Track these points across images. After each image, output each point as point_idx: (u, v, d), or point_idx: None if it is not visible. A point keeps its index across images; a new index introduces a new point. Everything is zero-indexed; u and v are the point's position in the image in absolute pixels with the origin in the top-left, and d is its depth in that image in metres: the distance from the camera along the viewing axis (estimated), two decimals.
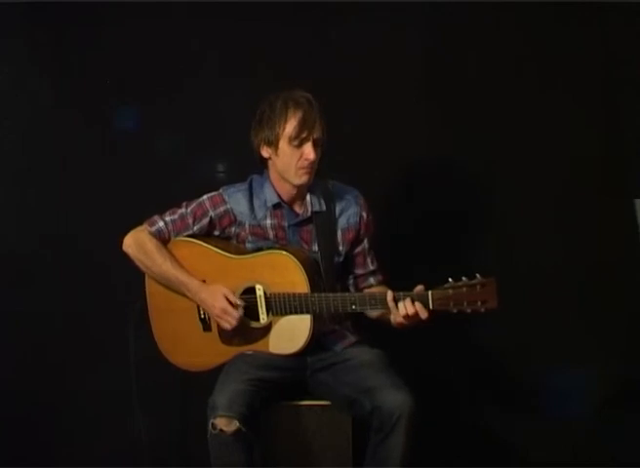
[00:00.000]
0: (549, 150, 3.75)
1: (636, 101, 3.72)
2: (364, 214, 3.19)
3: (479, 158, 3.76)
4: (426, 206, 3.77)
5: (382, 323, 3.07)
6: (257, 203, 3.14)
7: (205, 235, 3.16)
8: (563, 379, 3.70)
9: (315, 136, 3.01)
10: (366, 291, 3.18)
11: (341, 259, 3.17)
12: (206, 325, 3.12)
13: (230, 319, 3.02)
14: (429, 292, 2.87)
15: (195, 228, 3.14)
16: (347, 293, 3.08)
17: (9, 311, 3.80)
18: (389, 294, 2.91)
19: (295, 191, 3.11)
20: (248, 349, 3.08)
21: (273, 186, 3.13)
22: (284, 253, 3.03)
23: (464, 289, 2.85)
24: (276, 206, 3.13)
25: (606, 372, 3.73)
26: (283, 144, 3.02)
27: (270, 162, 3.10)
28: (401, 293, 2.90)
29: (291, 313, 3.01)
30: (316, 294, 2.98)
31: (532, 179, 3.76)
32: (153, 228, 3.15)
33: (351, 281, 3.22)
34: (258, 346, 3.07)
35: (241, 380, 2.94)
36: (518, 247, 3.79)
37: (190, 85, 3.79)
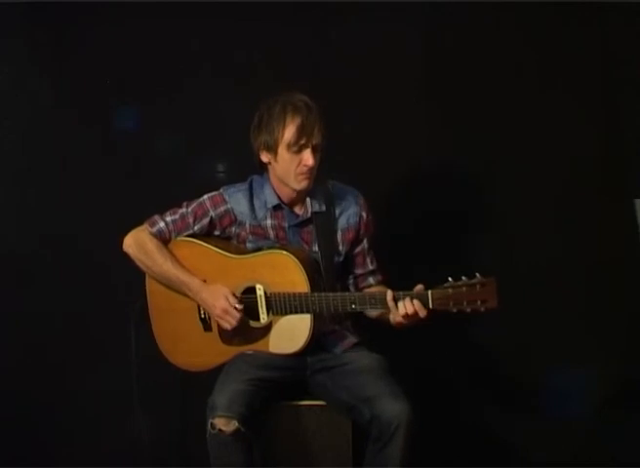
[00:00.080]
0: (549, 150, 3.75)
1: (636, 101, 3.72)
2: (364, 214, 3.19)
3: (479, 158, 3.76)
4: (426, 206, 3.77)
5: (382, 322, 3.07)
6: (257, 203, 3.14)
7: (205, 235, 3.15)
8: (563, 379, 3.70)
9: (314, 143, 3.01)
10: (365, 290, 3.18)
11: (341, 259, 3.17)
12: (206, 324, 3.12)
13: (231, 319, 3.02)
14: (429, 292, 2.87)
15: (196, 228, 3.14)
16: (347, 293, 3.08)
17: (9, 311, 3.80)
18: (389, 294, 2.91)
19: (294, 194, 3.11)
20: (248, 349, 3.08)
21: (273, 188, 3.13)
22: (284, 252, 3.03)
23: (464, 288, 2.85)
24: (276, 207, 3.13)
25: (606, 372, 3.73)
26: (282, 150, 3.02)
27: (270, 166, 3.10)
28: (401, 293, 2.90)
29: (291, 313, 3.01)
30: (316, 294, 2.98)
31: (532, 179, 3.76)
32: (154, 229, 3.15)
33: (351, 280, 3.22)
34: (258, 346, 3.07)
35: (241, 380, 2.94)
36: (518, 247, 3.79)
37: (190, 85, 3.79)
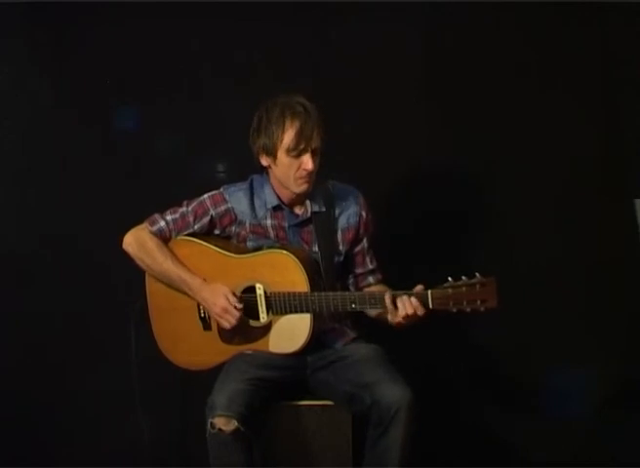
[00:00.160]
0: (549, 150, 3.75)
1: (636, 101, 3.72)
2: (363, 214, 3.19)
3: (479, 158, 3.76)
4: (426, 206, 3.77)
5: (381, 322, 3.07)
6: (257, 202, 3.14)
7: (205, 234, 3.16)
8: (563, 379, 3.70)
9: (313, 146, 3.01)
10: (365, 290, 3.19)
11: (342, 259, 3.17)
12: (206, 324, 3.12)
13: (230, 318, 3.02)
14: (429, 292, 2.88)
15: (196, 227, 3.14)
16: (347, 292, 3.08)
17: (9, 311, 3.80)
18: (387, 298, 2.91)
19: (294, 195, 3.11)
20: (248, 348, 3.08)
21: (273, 189, 3.13)
22: (284, 252, 3.04)
23: (464, 288, 2.85)
24: (276, 208, 3.13)
25: (606, 372, 3.73)
26: (281, 155, 3.02)
27: (270, 169, 3.10)
28: (400, 292, 2.90)
29: (291, 312, 3.01)
30: (316, 293, 2.98)
31: (532, 179, 3.76)
32: (154, 227, 3.15)
33: (351, 280, 3.23)
34: (257, 345, 3.07)
35: (241, 380, 2.94)
36: (518, 247, 3.79)
37: (190, 85, 3.79)
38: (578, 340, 3.75)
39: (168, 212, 3.17)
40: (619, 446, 3.68)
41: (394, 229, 3.67)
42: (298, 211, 3.14)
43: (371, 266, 3.23)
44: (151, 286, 3.19)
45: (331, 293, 2.98)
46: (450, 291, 2.85)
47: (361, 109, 3.75)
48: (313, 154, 3.01)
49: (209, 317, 3.11)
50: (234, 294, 3.04)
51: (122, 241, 3.16)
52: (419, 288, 2.91)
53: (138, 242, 3.14)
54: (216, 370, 3.07)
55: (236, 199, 3.13)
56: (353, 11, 3.71)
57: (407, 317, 2.90)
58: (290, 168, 3.02)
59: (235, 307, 3.01)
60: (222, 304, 3.02)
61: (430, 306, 2.87)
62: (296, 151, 2.99)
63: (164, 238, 3.15)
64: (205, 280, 3.08)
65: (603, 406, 3.74)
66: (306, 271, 3.00)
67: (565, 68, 3.74)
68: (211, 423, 2.85)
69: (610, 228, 3.73)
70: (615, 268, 3.75)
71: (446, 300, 2.86)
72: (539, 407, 3.76)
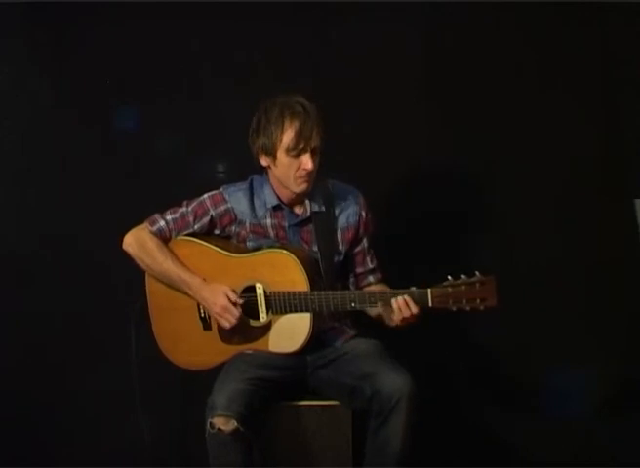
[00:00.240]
0: (549, 150, 3.75)
1: (636, 101, 3.72)
2: (363, 213, 3.19)
3: (479, 158, 3.77)
4: (426, 206, 3.77)
5: (381, 322, 3.06)
6: (257, 202, 3.14)
7: (205, 234, 3.16)
8: (563, 379, 3.70)
9: (313, 146, 3.01)
10: (365, 289, 3.19)
11: (342, 258, 3.17)
12: (206, 324, 3.12)
13: (230, 317, 3.02)
14: (429, 290, 2.88)
15: (196, 227, 3.14)
16: (347, 292, 3.08)
17: (9, 311, 3.80)
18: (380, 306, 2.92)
19: (294, 195, 3.11)
20: (248, 348, 3.08)
21: (273, 189, 3.13)
22: (284, 251, 3.04)
23: (464, 287, 2.85)
24: (276, 207, 3.13)
25: (606, 372, 3.73)
26: (281, 155, 3.02)
27: (269, 169, 3.10)
28: (400, 291, 2.91)
29: (291, 311, 3.01)
30: (316, 293, 2.98)
31: (532, 179, 3.76)
32: (154, 227, 3.15)
33: (351, 279, 3.23)
34: (257, 345, 3.07)
35: (240, 380, 2.94)
36: (518, 247, 3.79)
37: (190, 85, 3.79)
38: (578, 340, 3.75)
39: (168, 212, 3.17)
40: (619, 446, 3.69)
41: (394, 229, 3.67)
42: (297, 210, 3.14)
43: (371, 266, 3.23)
44: (151, 286, 3.19)
45: (330, 293, 2.98)
46: (449, 289, 2.86)
47: (361, 109, 3.75)
48: (313, 154, 3.01)
49: (209, 317, 3.11)
50: (234, 291, 3.04)
51: (122, 241, 3.16)
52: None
53: (138, 242, 3.14)
54: (216, 370, 3.07)
55: (236, 199, 3.14)
56: (353, 11, 3.71)
57: (404, 319, 2.91)
58: (289, 168, 3.02)
59: (236, 304, 3.01)
60: (222, 303, 3.02)
61: (430, 304, 2.88)
62: (295, 151, 2.99)
63: (164, 238, 3.15)
64: (205, 279, 3.08)
65: (603, 406, 3.73)
66: (306, 271, 3.00)
67: (565, 68, 3.74)
68: (210, 423, 2.86)
69: (610, 228, 3.73)
70: (615, 268, 3.75)
71: (445, 299, 2.86)
72: (539, 407, 3.76)
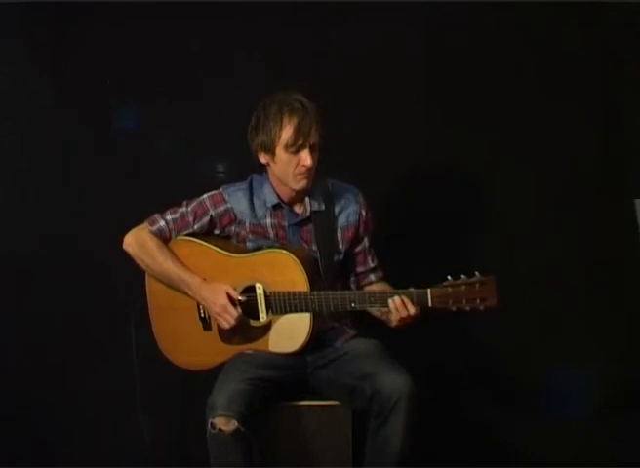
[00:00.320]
0: (549, 150, 3.75)
1: (636, 101, 3.72)
2: (363, 213, 3.19)
3: (479, 158, 3.76)
4: (426, 206, 3.77)
5: (384, 321, 3.06)
6: (257, 202, 3.14)
7: (205, 234, 3.16)
8: (563, 379, 3.70)
9: (312, 142, 3.01)
10: (366, 288, 3.20)
11: (342, 258, 3.17)
12: (206, 324, 3.12)
13: (229, 317, 3.02)
14: (428, 290, 2.88)
15: (196, 227, 3.14)
16: (347, 292, 3.07)
17: (9, 311, 3.80)
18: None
19: (294, 193, 3.11)
20: (248, 348, 3.08)
21: (273, 187, 3.13)
22: (284, 251, 3.04)
23: (463, 287, 2.85)
24: (276, 206, 3.13)
25: (606, 372, 3.73)
26: (279, 151, 3.02)
27: (269, 167, 3.10)
28: (400, 291, 2.91)
29: (291, 311, 3.01)
30: (316, 293, 2.98)
31: (532, 179, 3.76)
32: (154, 227, 3.15)
33: (352, 278, 3.23)
34: (257, 345, 3.07)
35: (240, 380, 2.94)
36: (518, 247, 3.79)
37: (190, 85, 3.79)
38: (578, 340, 3.75)
39: (168, 212, 3.17)
40: (619, 446, 3.68)
41: (394, 229, 3.67)
42: (297, 209, 3.14)
43: (372, 264, 3.23)
44: (151, 285, 3.19)
45: (330, 293, 2.98)
46: (449, 289, 2.86)
47: (361, 109, 3.75)
48: (312, 150, 3.01)
49: (209, 317, 3.11)
50: (234, 289, 3.04)
51: (122, 241, 3.16)
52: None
53: (138, 242, 3.14)
54: (216, 370, 3.07)
55: (236, 199, 3.14)
56: (353, 11, 3.71)
57: (401, 320, 2.91)
58: (289, 164, 3.02)
59: (234, 303, 3.01)
60: (222, 303, 3.02)
61: (430, 304, 2.88)
62: (294, 147, 2.99)
63: (164, 238, 3.15)
64: (205, 279, 3.08)
65: (603, 406, 3.73)
66: (306, 270, 3.00)
67: (565, 68, 3.74)
68: (211, 423, 2.86)
69: (610, 228, 3.73)
70: (615, 268, 3.75)
71: (445, 299, 2.86)
72: (539, 407, 3.76)
